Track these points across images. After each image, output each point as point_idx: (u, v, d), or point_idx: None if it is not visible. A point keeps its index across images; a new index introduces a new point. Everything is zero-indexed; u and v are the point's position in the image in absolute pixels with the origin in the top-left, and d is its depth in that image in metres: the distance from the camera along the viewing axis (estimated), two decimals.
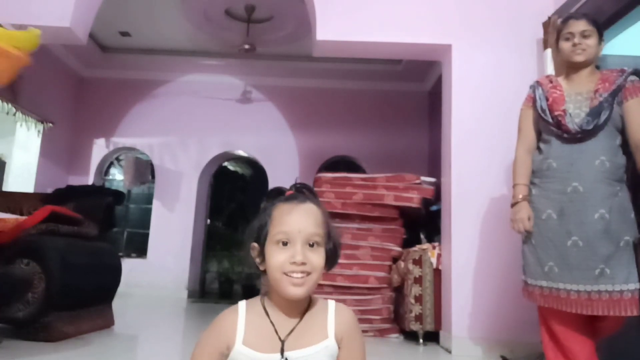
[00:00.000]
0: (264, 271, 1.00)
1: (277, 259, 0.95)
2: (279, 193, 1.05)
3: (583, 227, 1.97)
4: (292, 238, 0.96)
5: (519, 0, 3.49)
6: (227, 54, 6.59)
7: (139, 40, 6.45)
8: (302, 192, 1.05)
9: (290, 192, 1.05)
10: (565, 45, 2.18)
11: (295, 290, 0.94)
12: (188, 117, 6.81)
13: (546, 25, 3.21)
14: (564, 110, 2.08)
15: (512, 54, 3.42)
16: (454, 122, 3.40)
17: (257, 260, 1.01)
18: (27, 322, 2.73)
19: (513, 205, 2.18)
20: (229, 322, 1.00)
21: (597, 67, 2.25)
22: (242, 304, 1.03)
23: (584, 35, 2.13)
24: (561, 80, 2.24)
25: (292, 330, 0.98)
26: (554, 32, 3.12)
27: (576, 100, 2.12)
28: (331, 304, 1.04)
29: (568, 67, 2.22)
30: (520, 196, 2.15)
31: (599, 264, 1.94)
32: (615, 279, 1.92)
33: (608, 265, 1.93)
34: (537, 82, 2.30)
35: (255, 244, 1.01)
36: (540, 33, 3.31)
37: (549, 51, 3.11)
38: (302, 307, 1.01)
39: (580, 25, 2.14)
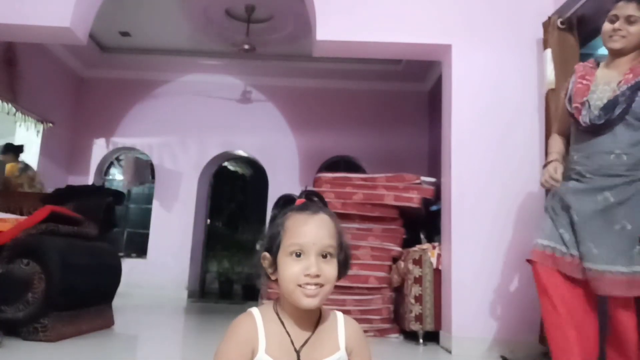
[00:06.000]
0: (275, 280, 0.99)
1: (291, 271, 0.94)
2: (288, 201, 1.04)
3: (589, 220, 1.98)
4: (307, 250, 0.95)
5: (519, 0, 3.49)
6: (227, 54, 6.59)
7: (139, 40, 6.45)
8: (311, 199, 1.05)
9: (301, 200, 1.04)
10: (606, 28, 2.00)
11: (309, 302, 0.94)
12: (188, 117, 6.81)
13: (546, 25, 3.21)
14: (582, 103, 2.02)
15: (512, 54, 3.42)
16: (453, 122, 3.40)
17: (269, 270, 1.00)
18: (27, 322, 2.73)
19: (544, 166, 2.18)
20: (250, 327, 0.98)
21: None
22: (255, 311, 1.01)
23: (629, 21, 1.95)
24: (602, 66, 2.09)
25: (306, 342, 0.98)
26: (554, 31, 3.12)
27: (602, 91, 2.02)
28: (340, 316, 1.05)
29: (608, 53, 2.08)
30: (552, 158, 2.16)
31: (588, 243, 1.95)
32: (598, 259, 1.91)
33: (596, 244, 1.93)
34: (576, 67, 2.18)
35: (267, 254, 1.00)
36: (540, 33, 3.30)
37: (549, 51, 3.11)
38: (315, 318, 1.01)
39: (628, 9, 1.95)
